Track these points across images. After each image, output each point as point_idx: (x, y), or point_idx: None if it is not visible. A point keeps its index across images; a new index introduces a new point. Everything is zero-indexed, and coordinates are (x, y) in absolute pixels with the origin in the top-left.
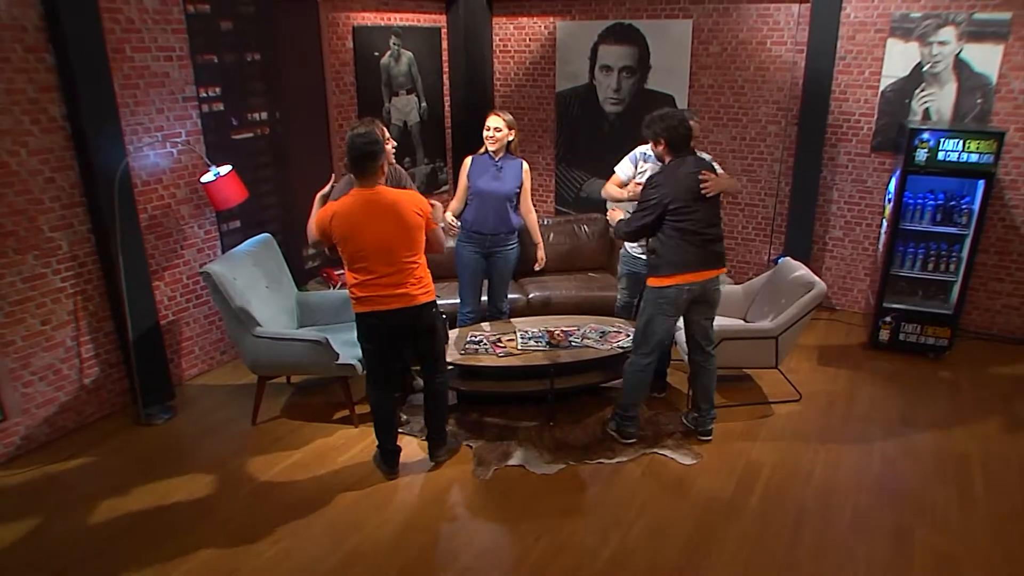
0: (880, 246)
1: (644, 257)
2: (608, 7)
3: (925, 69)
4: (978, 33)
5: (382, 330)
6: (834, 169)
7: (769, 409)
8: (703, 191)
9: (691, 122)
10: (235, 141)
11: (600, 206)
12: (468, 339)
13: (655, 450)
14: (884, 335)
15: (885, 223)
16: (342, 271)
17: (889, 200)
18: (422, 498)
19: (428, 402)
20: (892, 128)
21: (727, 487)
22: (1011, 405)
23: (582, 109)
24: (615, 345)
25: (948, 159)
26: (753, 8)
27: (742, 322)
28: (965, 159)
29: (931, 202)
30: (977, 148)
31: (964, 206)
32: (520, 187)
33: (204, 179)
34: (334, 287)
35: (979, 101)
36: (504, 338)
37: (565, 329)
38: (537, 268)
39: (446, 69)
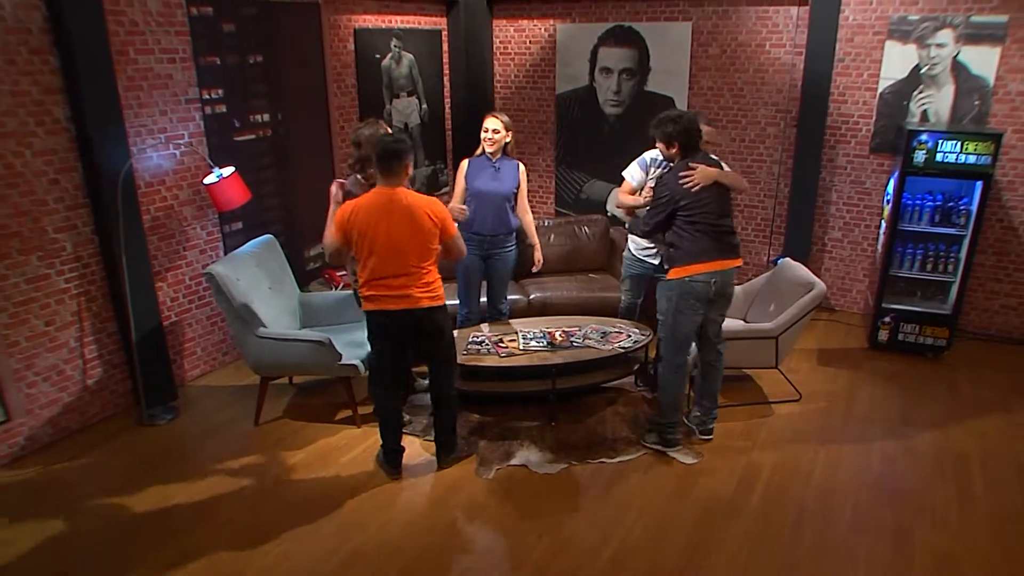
0: (879, 247)
1: (647, 259)
2: (608, 9)
3: (923, 71)
4: (975, 35)
5: (392, 329)
6: (833, 170)
7: (769, 409)
8: (683, 185)
9: (707, 127)
10: (237, 143)
11: (600, 207)
12: (470, 340)
13: (656, 449)
14: (883, 335)
15: (884, 224)
16: (344, 272)
17: (888, 201)
18: (425, 498)
19: (435, 407)
20: (890, 130)
21: (727, 487)
22: (1010, 405)
23: (582, 111)
24: (616, 346)
25: (946, 160)
26: (752, 11)
27: (742, 322)
28: (963, 160)
29: (929, 203)
30: (975, 149)
31: (962, 207)
32: (518, 187)
33: (207, 180)
34: (336, 288)
35: (977, 103)
36: (506, 339)
37: (566, 330)
38: (534, 270)
39: (447, 71)
